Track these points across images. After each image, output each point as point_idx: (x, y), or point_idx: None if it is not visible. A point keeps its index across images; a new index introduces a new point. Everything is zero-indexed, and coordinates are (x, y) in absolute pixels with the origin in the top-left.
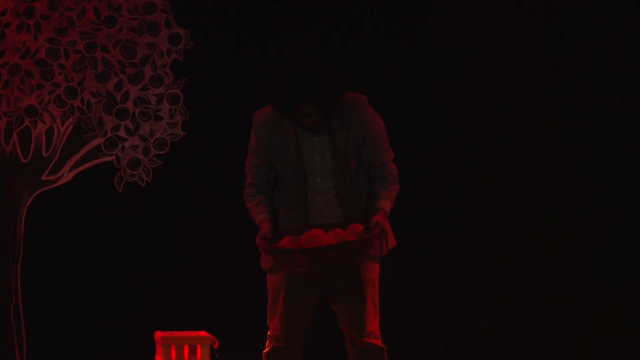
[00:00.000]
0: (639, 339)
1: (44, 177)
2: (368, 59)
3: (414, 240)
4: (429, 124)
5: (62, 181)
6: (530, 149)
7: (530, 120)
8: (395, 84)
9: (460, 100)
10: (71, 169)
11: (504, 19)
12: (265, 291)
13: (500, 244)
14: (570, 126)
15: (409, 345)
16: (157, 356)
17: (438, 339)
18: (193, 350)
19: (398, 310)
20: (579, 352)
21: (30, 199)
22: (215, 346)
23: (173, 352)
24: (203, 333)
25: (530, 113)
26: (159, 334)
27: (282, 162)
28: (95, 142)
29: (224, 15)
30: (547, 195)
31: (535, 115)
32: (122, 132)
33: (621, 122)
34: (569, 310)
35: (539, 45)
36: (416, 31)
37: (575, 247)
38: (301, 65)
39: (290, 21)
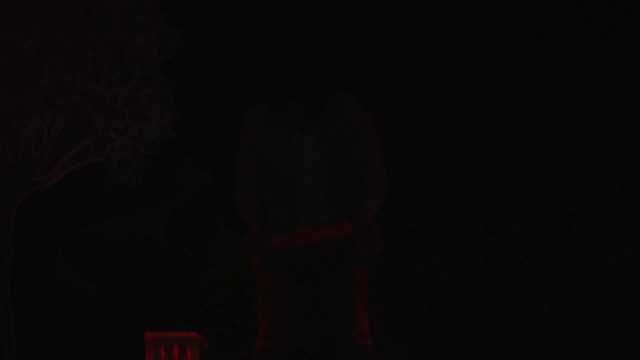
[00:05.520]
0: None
1: (33, 178)
2: (364, 59)
3: (405, 241)
4: (421, 126)
5: (51, 182)
6: (521, 151)
7: (528, 123)
8: (390, 86)
9: (454, 103)
10: (61, 169)
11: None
12: (256, 291)
13: (493, 246)
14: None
15: (399, 346)
16: (147, 357)
17: (428, 340)
18: (183, 351)
19: (388, 311)
20: (573, 352)
21: (20, 200)
22: (205, 347)
23: (163, 353)
24: (192, 334)
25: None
26: (148, 335)
27: (271, 161)
28: (85, 143)
29: (215, 16)
30: (541, 196)
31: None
32: (111, 133)
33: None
34: (563, 311)
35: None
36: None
37: (569, 247)
38: (291, 61)
39: (282, 20)
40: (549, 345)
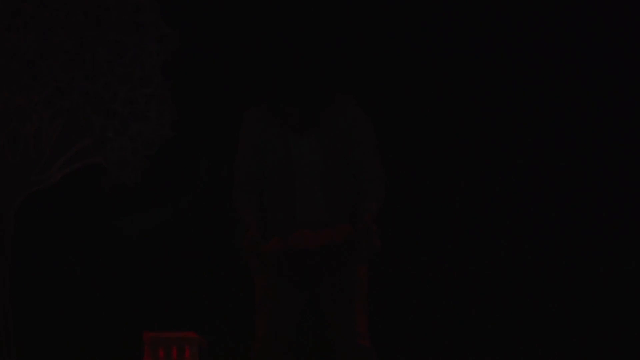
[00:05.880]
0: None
1: (32, 178)
2: (363, 60)
3: (404, 242)
4: (421, 127)
5: (50, 181)
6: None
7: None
8: (390, 85)
9: (456, 103)
10: (60, 169)
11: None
12: (254, 292)
13: (495, 246)
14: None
15: (400, 346)
16: (145, 357)
17: (428, 340)
18: (181, 351)
19: (388, 311)
20: (568, 353)
21: (19, 200)
22: (204, 346)
23: (161, 353)
24: (191, 334)
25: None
26: (147, 335)
27: (270, 163)
28: (84, 143)
29: (214, 17)
30: (537, 196)
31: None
32: (110, 133)
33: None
34: (560, 310)
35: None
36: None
37: (565, 248)
38: (288, 64)
39: (281, 20)
40: (550, 346)
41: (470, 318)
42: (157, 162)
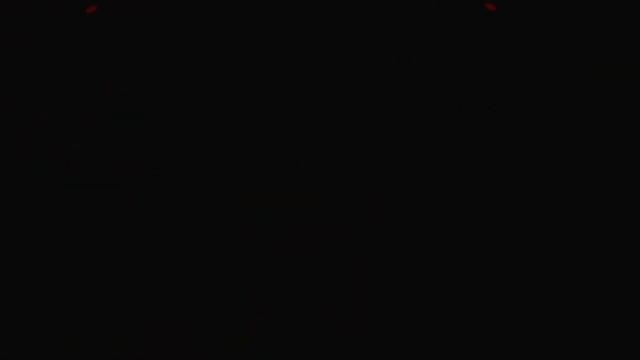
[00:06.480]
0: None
1: (30, 178)
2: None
3: (405, 240)
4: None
5: (48, 181)
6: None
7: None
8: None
9: (456, 100)
10: (57, 168)
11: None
12: (251, 291)
13: (491, 245)
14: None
15: (400, 345)
16: (142, 356)
17: (429, 339)
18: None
19: (388, 310)
20: (568, 353)
21: (17, 200)
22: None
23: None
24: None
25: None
26: (144, 334)
27: (270, 164)
28: (82, 143)
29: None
30: (539, 194)
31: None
32: (109, 132)
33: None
34: (561, 310)
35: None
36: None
37: (565, 246)
38: None
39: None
40: (550, 345)
41: (472, 318)
42: (156, 161)
